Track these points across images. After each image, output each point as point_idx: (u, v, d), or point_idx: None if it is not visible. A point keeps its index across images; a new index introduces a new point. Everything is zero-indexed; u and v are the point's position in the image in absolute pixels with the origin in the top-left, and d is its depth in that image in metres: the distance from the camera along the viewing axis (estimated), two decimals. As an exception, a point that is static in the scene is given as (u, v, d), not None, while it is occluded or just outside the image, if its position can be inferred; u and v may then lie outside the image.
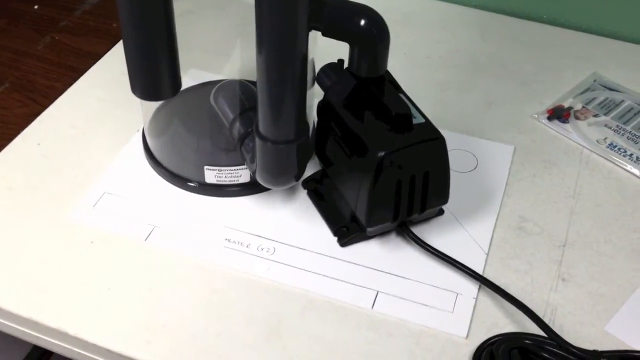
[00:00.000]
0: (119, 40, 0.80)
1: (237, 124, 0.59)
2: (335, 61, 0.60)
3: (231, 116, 0.60)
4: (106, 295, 0.55)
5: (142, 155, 0.66)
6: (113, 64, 0.77)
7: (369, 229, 0.57)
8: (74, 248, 0.58)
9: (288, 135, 0.53)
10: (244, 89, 0.62)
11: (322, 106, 0.59)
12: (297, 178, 0.57)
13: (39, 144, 0.67)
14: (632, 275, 0.58)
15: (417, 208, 0.57)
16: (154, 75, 0.51)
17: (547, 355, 0.47)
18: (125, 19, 0.48)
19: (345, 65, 0.57)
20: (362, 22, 0.53)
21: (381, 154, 0.53)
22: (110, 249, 0.59)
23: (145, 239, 0.59)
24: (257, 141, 0.54)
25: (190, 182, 0.63)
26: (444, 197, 0.58)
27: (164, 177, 0.64)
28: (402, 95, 0.57)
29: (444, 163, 0.56)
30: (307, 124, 0.55)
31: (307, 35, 0.50)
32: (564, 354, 0.48)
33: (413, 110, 0.56)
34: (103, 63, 0.77)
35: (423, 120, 0.56)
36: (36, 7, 0.85)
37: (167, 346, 0.52)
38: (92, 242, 0.59)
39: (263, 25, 0.48)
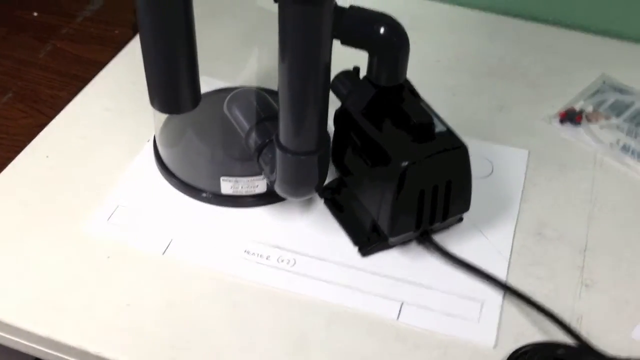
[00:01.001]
0: (122, 48, 0.78)
1: (254, 135, 0.58)
2: (350, 69, 0.59)
3: (247, 126, 0.59)
4: (126, 312, 0.54)
5: (154, 166, 0.65)
6: (118, 72, 0.75)
7: (391, 239, 0.57)
8: (90, 263, 0.57)
9: (309, 146, 0.52)
10: (259, 98, 0.61)
11: (340, 115, 0.58)
12: (318, 189, 0.56)
13: (47, 156, 0.66)
14: (654, 280, 0.58)
15: (439, 217, 0.56)
16: (175, 88, 0.49)
17: (581, 366, 0.47)
18: (146, 31, 0.46)
19: (362, 73, 0.56)
20: (382, 30, 0.52)
21: (404, 164, 0.53)
22: (128, 264, 0.57)
23: (163, 253, 0.58)
24: (278, 152, 0.53)
25: (206, 193, 0.62)
26: (465, 205, 0.58)
27: (178, 189, 0.63)
28: (422, 104, 0.56)
29: (467, 171, 0.56)
30: (327, 134, 0.54)
31: (331, 44, 0.49)
32: (598, 363, 0.47)
33: (434, 119, 0.55)
34: (108, 71, 0.76)
35: (445, 129, 0.55)
36: (35, 14, 0.84)
37: (192, 363, 0.52)
38: (108, 257, 0.58)
39: (287, 34, 0.47)
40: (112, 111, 0.71)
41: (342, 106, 0.58)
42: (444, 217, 0.57)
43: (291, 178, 0.55)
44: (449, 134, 0.55)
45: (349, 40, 0.53)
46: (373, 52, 0.54)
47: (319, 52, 0.48)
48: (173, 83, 0.49)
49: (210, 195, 0.62)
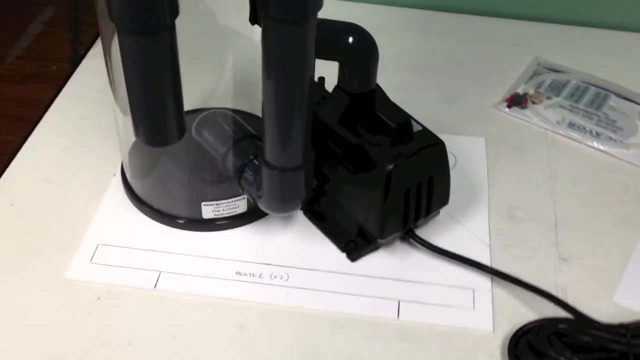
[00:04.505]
0: (62, 83, 0.76)
1: (231, 156, 0.58)
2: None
3: (222, 149, 0.59)
4: (130, 351, 0.53)
5: (126, 199, 0.63)
6: (67, 110, 0.73)
7: (380, 241, 0.58)
8: (81, 307, 0.56)
9: (297, 161, 0.53)
10: (228, 119, 0.61)
11: (314, 125, 0.59)
12: (304, 202, 0.57)
13: (12, 205, 0.63)
14: (623, 244, 0.62)
15: (423, 213, 0.58)
16: (162, 120, 0.49)
17: (584, 337, 0.50)
18: (131, 65, 0.46)
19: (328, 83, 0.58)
20: (352, 40, 0.54)
21: (390, 166, 0.54)
22: (121, 302, 0.56)
23: (155, 286, 0.57)
24: (265, 170, 0.53)
25: (186, 220, 0.61)
26: (445, 199, 0.60)
27: (155, 219, 0.62)
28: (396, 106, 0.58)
29: (445, 166, 0.58)
30: (311, 148, 0.55)
31: (314, 58, 0.49)
32: (598, 333, 0.50)
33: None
34: (55, 110, 0.73)
35: (420, 128, 0.57)
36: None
37: (208, 392, 0.51)
38: (98, 299, 0.57)
39: (273, 52, 0.47)
40: (69, 150, 0.69)
41: (315, 116, 0.59)
42: (427, 213, 0.59)
43: (279, 194, 0.55)
44: (426, 132, 0.57)
45: (320, 53, 0.53)
46: (345, 62, 0.55)
47: (304, 67, 0.48)
48: (160, 116, 0.48)
49: (190, 222, 0.61)
